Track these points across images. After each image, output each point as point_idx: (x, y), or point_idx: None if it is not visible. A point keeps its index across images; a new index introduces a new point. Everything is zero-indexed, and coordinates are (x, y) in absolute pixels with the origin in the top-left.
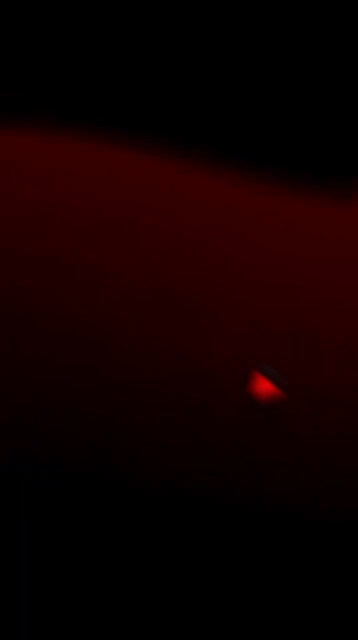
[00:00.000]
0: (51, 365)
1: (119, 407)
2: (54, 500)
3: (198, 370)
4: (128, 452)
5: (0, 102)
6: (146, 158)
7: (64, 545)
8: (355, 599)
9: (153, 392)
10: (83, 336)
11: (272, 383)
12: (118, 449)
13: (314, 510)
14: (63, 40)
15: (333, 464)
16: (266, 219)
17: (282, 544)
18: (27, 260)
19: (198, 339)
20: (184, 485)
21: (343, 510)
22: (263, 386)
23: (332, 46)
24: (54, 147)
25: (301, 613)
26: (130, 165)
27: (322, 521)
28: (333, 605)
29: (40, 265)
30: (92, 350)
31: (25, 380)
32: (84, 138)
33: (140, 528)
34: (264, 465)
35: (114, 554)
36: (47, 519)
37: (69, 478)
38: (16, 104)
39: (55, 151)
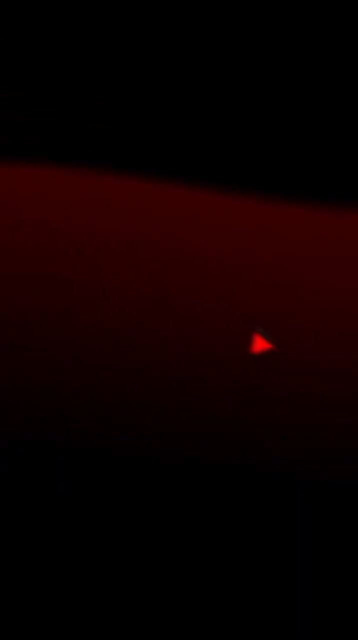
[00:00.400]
0: (53, 361)
1: (119, 398)
2: (57, 479)
3: (197, 359)
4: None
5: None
6: (142, 179)
7: (69, 522)
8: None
9: (154, 382)
10: (85, 330)
11: (266, 341)
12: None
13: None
14: (63, 42)
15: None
16: (266, 229)
17: (285, 511)
18: (32, 278)
19: (198, 338)
20: (185, 457)
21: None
22: (260, 344)
23: (332, 58)
24: (55, 175)
25: (297, 577)
26: (126, 187)
27: (317, 487)
28: (330, 568)
29: (44, 280)
30: (93, 342)
31: (29, 378)
32: (83, 165)
33: (144, 502)
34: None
35: (119, 532)
36: (50, 498)
37: (74, 454)
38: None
39: (56, 179)
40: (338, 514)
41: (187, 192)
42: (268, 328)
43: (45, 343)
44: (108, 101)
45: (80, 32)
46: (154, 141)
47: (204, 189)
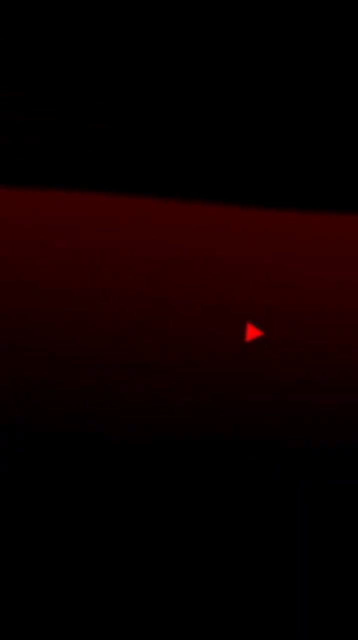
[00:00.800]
0: (54, 357)
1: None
2: (58, 468)
3: (196, 350)
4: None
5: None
6: (142, 178)
7: (68, 517)
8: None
9: (154, 374)
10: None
11: (259, 330)
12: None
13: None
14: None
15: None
16: (266, 230)
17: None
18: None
19: (197, 336)
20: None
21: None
22: (254, 332)
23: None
24: (56, 195)
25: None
26: (125, 202)
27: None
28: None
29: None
30: (94, 332)
31: (29, 375)
32: (84, 164)
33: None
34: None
35: (119, 525)
36: (49, 486)
37: (72, 443)
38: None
39: (59, 199)
40: (339, 506)
41: (186, 193)
42: (268, 328)
43: (46, 343)
44: (108, 101)
45: (80, 32)
46: (154, 141)
47: (203, 189)
